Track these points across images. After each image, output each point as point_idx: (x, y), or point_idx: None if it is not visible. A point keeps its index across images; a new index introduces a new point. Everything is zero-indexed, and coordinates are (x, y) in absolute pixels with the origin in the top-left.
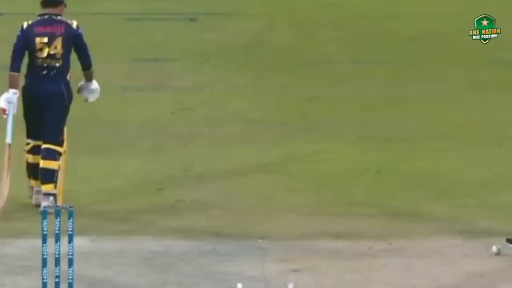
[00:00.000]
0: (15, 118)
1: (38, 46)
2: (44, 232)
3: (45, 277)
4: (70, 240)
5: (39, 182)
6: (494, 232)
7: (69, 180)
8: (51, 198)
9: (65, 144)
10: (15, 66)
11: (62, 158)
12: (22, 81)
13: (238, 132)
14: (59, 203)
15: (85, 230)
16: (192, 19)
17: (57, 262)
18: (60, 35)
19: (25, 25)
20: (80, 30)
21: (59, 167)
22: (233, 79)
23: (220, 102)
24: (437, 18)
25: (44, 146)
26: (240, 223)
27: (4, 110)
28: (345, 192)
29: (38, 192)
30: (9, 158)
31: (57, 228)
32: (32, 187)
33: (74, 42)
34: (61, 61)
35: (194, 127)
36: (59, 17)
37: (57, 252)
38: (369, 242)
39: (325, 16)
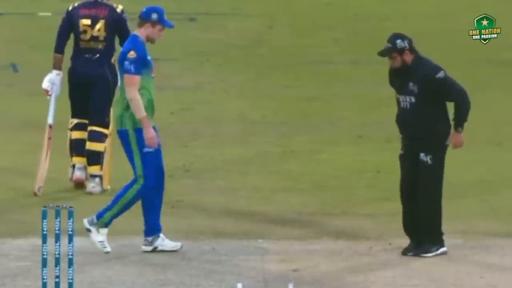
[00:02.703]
0: (57, 99)
1: (81, 28)
2: (44, 232)
3: (45, 277)
4: (70, 240)
5: (81, 158)
6: (494, 232)
7: (69, 180)
8: (97, 179)
9: (111, 126)
10: (58, 47)
11: (108, 140)
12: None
13: (238, 132)
14: (105, 184)
15: (85, 230)
16: (192, 19)
17: (57, 262)
18: (103, 18)
19: (70, 7)
20: (124, 15)
21: (105, 149)
22: (233, 79)
23: (220, 102)
24: (437, 18)
25: (90, 128)
26: (240, 223)
27: (47, 91)
28: (345, 192)
29: (80, 168)
30: (49, 138)
31: (57, 228)
32: (74, 165)
33: (117, 26)
34: (104, 43)
35: (194, 127)
36: (104, 0)
37: (57, 252)
38: (369, 242)
39: (325, 16)
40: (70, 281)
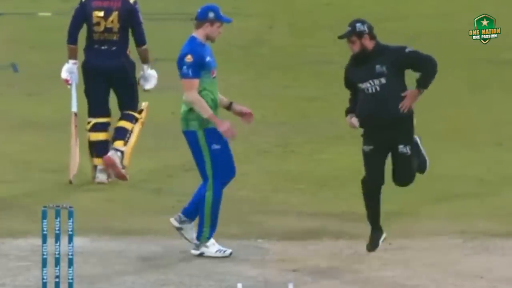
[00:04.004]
0: (77, 88)
1: (94, 20)
2: (44, 232)
3: (45, 277)
4: (70, 240)
5: (101, 160)
6: (494, 232)
7: (69, 180)
8: (119, 153)
9: (144, 114)
10: (71, 39)
11: (137, 125)
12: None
13: (238, 132)
14: (125, 161)
15: (85, 230)
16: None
17: (57, 262)
18: (116, 9)
19: None
20: (136, 6)
21: (132, 129)
22: (233, 79)
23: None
24: (437, 18)
25: (124, 111)
26: (240, 223)
27: (67, 81)
28: (345, 192)
29: (101, 171)
30: (76, 126)
31: (57, 228)
32: (95, 166)
33: (129, 16)
34: (118, 35)
35: None
36: None
37: (57, 252)
38: None
39: (325, 16)
40: (70, 281)
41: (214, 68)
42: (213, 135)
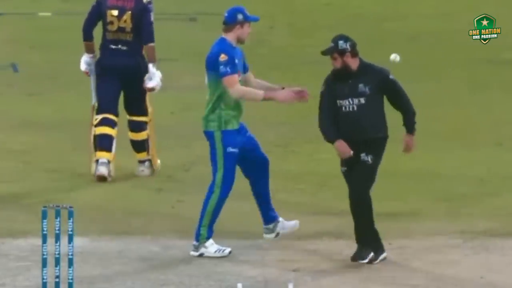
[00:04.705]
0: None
1: (109, 19)
2: (44, 232)
3: (45, 277)
4: (70, 240)
5: (105, 153)
6: (494, 232)
7: (69, 180)
8: (146, 163)
9: (150, 109)
10: (86, 36)
11: (148, 126)
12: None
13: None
14: (155, 164)
15: (85, 230)
16: (192, 19)
17: (57, 262)
18: (129, 9)
19: None
20: (150, 6)
21: (147, 135)
22: None
23: None
24: (437, 18)
25: (130, 118)
26: (240, 223)
27: (86, 73)
28: (345, 192)
29: (103, 163)
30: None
31: (57, 228)
32: (97, 161)
33: (141, 15)
34: (131, 34)
35: (194, 127)
36: None
37: (57, 252)
38: None
39: (325, 16)
40: (70, 281)
41: (241, 71)
42: (230, 138)
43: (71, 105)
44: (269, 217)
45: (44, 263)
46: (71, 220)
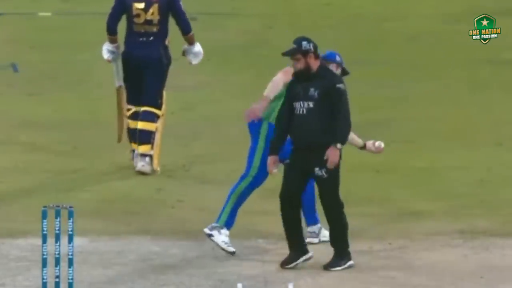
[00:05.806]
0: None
1: (134, 12)
2: (44, 232)
3: (45, 277)
4: (70, 240)
5: (141, 146)
6: (494, 232)
7: (69, 180)
8: (147, 158)
9: (163, 107)
10: (110, 30)
11: (160, 121)
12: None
13: (238, 132)
14: (155, 164)
15: (85, 230)
16: (192, 19)
17: (57, 262)
18: (156, 2)
19: None
20: None
21: (156, 129)
22: (233, 79)
23: (220, 102)
24: (437, 18)
25: (143, 108)
26: (240, 223)
27: (109, 61)
28: (345, 192)
29: (138, 156)
30: (121, 100)
31: (57, 228)
32: (133, 150)
33: (170, 7)
34: (158, 26)
35: (194, 127)
36: None
37: (57, 252)
38: (369, 242)
39: (325, 16)
40: (70, 281)
41: None
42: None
43: (71, 105)
44: (312, 219)
45: (44, 263)
46: (71, 220)
